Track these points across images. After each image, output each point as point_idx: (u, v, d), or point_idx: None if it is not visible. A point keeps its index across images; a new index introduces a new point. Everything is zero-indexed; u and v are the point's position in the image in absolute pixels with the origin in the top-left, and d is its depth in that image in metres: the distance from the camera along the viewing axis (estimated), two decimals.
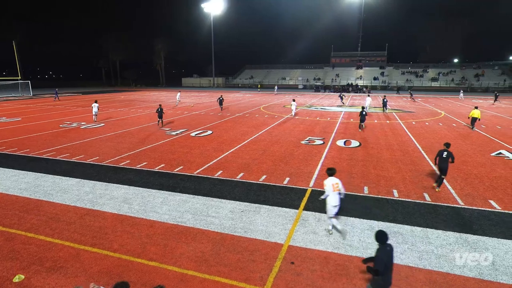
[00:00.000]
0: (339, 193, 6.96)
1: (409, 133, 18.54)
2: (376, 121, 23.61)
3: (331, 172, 7.10)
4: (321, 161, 12.73)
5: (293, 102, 26.64)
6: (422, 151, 14.30)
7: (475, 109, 20.33)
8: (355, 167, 11.94)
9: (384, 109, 29.35)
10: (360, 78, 77.69)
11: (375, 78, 76.72)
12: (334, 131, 19.37)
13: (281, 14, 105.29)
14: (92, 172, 11.30)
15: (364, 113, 19.87)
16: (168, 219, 7.92)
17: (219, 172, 11.23)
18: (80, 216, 8.08)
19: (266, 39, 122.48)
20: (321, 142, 16.23)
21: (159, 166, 11.89)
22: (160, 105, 22.11)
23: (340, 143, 16.03)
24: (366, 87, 66.25)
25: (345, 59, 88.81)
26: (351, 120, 23.82)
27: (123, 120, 23.59)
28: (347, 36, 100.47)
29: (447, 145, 9.65)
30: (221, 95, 33.68)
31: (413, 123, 22.69)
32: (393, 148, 14.88)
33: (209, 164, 12.18)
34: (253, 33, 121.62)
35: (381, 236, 4.76)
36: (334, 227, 7.30)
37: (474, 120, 20.01)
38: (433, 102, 40.42)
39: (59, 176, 10.85)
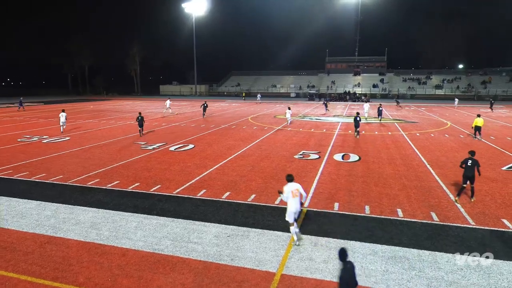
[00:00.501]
0: (300, 199, 7.75)
1: (413, 146, 18.89)
2: (376, 132, 24.00)
3: (290, 178, 7.85)
4: (317, 177, 12.79)
5: (288, 110, 28.79)
6: (428, 166, 14.55)
7: (478, 118, 21.28)
8: (355, 184, 12.03)
9: (380, 118, 30.93)
10: (358, 86, 79.34)
11: (374, 86, 78.47)
12: (331, 144, 19.58)
13: (270, 15, 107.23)
14: (55, 193, 11.04)
15: (358, 119, 22.12)
16: (143, 246, 7.75)
17: (202, 192, 11.14)
18: (39, 245, 7.83)
19: (255, 42, 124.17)
20: (317, 156, 16.35)
21: (133, 186, 11.73)
22: (140, 113, 22.96)
23: (338, 157, 16.17)
24: (365, 95, 67.58)
25: (342, 64, 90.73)
26: (349, 131, 24.15)
27: (92, 133, 23.30)
28: (343, 39, 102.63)
29: (472, 153, 10.48)
30: (205, 101, 36.43)
31: (417, 134, 23.16)
32: (396, 163, 15.10)
33: (190, 183, 12.07)
34: (240, 36, 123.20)
35: (340, 254, 5.11)
36: (296, 234, 7.81)
37: (477, 129, 21.07)
38: (438, 111, 41.48)
39: (15, 199, 10.55)
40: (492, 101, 44.47)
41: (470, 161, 10.20)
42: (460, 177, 12.71)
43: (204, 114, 33.86)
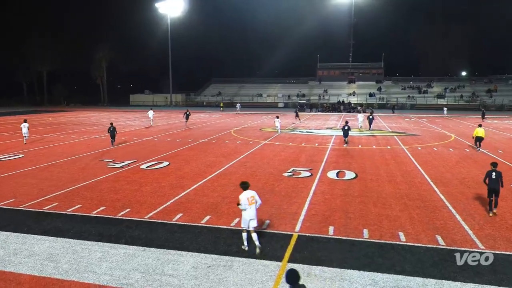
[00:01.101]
0: (255, 207, 8.76)
1: (414, 161, 19.24)
2: (374, 146, 24.36)
3: (245, 186, 8.85)
4: (309, 198, 12.82)
5: (277, 119, 31.85)
6: (432, 183, 14.81)
7: (479, 128, 22.61)
8: (352, 204, 12.11)
9: (370, 128, 34.04)
10: (353, 95, 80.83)
11: (370, 95, 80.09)
12: (324, 160, 19.74)
13: (256, 17, 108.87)
14: (4, 220, 10.71)
15: (346, 127, 24.60)
16: (109, 280, 7.55)
17: (178, 216, 11.00)
18: None
19: (238, 47, 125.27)
20: (308, 174, 16.44)
21: (98, 210, 11.51)
22: (111, 123, 24.32)
23: (332, 174, 16.30)
24: (361, 105, 68.81)
25: (334, 71, 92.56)
26: (344, 145, 24.43)
27: (51, 150, 22.88)
28: (335, 44, 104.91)
29: (494, 164, 11.46)
30: (188, 110, 40.98)
31: (419, 148, 23.63)
32: (397, 180, 15.31)
33: (165, 205, 11.93)
34: (222, 39, 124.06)
35: (290, 276, 4.95)
36: (250, 242, 8.77)
37: (478, 139, 22.41)
38: (441, 123, 42.55)
39: None
40: (484, 110, 48.73)
41: (494, 174, 11.17)
42: (467, 194, 13.07)
43: (186, 123, 38.67)
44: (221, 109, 67.76)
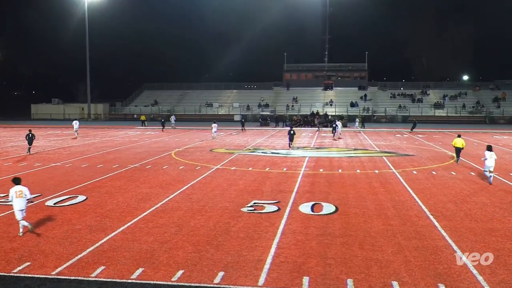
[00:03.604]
0: (25, 199, 12.98)
1: (409, 189, 19.82)
2: (358, 170, 24.90)
3: (16, 181, 13.20)
4: (277, 239, 12.81)
5: (214, 124, 43.59)
6: (431, 217, 15.25)
7: (458, 138, 26.59)
8: (331, 247, 12.21)
9: (333, 134, 40.97)
10: (331, 104, 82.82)
11: (352, 104, 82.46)
12: (295, 189, 19.91)
13: (204, 5, 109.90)
14: None
15: (292, 132, 34.05)
16: None
17: (99, 270, 10.65)
18: None
19: (181, 43, 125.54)
20: (275, 208, 16.48)
21: None
22: (30, 130, 31.62)
23: (305, 208, 16.42)
24: (341, 117, 70.44)
25: (306, 74, 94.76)
26: (321, 170, 24.80)
27: None
28: (307, 40, 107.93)
29: None
30: (163, 118, 52.99)
31: (414, 172, 24.42)
32: (387, 214, 15.66)
33: (80, 256, 11.52)
34: (159, 33, 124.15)
35: None
36: (24, 226, 12.93)
37: (458, 150, 26.28)
38: (440, 139, 44.35)
39: None
40: (415, 121, 55.72)
41: None
42: (475, 229, 13.57)
43: (163, 130, 51.36)
44: (144, 124, 65.42)
